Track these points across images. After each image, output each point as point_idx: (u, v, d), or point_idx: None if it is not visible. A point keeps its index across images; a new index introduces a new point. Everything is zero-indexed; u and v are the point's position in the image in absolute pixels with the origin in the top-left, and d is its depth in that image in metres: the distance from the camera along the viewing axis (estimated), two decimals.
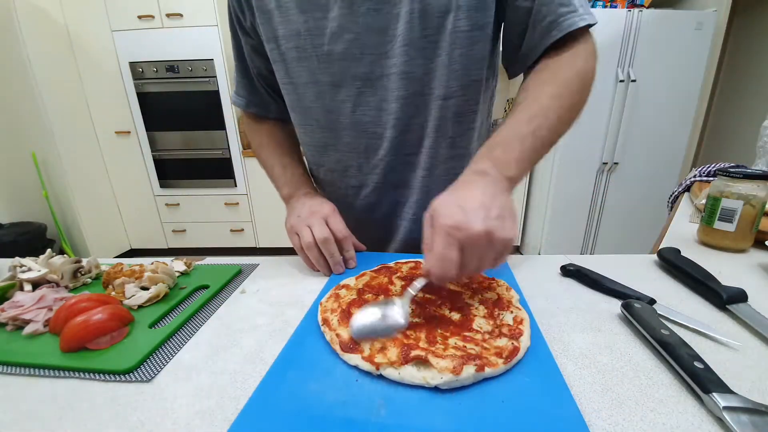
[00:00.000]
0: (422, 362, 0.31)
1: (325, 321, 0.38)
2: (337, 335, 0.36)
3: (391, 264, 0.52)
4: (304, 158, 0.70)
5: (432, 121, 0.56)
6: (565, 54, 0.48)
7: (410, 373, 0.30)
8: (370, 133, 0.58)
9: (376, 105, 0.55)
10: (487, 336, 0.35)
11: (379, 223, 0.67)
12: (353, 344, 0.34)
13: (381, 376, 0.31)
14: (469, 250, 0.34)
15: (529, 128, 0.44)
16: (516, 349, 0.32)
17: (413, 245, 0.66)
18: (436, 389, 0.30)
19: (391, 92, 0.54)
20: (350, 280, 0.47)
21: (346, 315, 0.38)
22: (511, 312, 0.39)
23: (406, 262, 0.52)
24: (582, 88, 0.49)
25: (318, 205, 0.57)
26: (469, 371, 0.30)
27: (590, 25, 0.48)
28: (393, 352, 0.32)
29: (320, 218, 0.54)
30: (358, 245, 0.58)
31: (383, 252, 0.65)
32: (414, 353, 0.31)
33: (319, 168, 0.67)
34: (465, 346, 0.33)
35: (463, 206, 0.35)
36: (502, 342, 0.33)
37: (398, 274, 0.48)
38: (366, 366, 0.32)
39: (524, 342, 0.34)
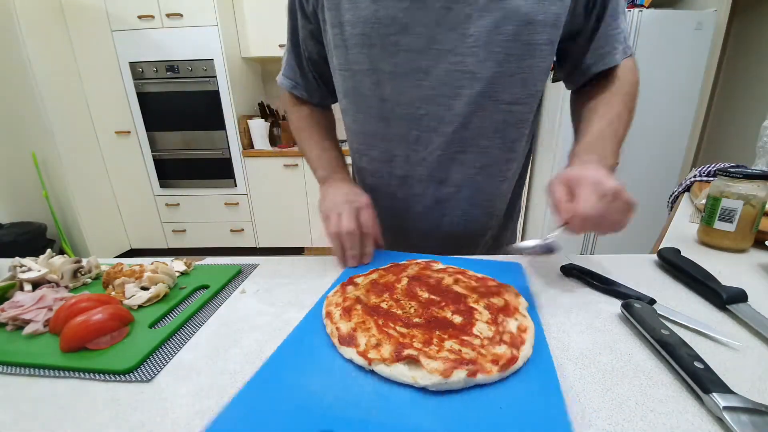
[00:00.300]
0: (414, 362, 0.31)
1: (328, 314, 0.38)
2: (337, 328, 0.36)
3: (402, 262, 0.52)
4: (349, 146, 0.71)
5: (494, 123, 0.58)
6: (620, 71, 0.60)
7: (401, 372, 0.30)
8: (423, 126, 0.58)
9: (436, 100, 0.56)
10: (486, 342, 0.34)
11: (420, 217, 0.67)
12: (351, 338, 0.35)
13: (374, 372, 0.32)
14: (606, 202, 0.40)
15: (610, 130, 0.55)
16: (514, 359, 0.32)
17: (455, 241, 0.67)
18: (426, 390, 0.30)
19: (453, 89, 0.55)
20: (360, 278, 0.48)
21: (347, 312, 0.38)
22: (516, 319, 0.37)
23: (416, 262, 0.52)
24: (636, 96, 0.61)
25: (354, 194, 0.59)
26: (459, 375, 0.29)
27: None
28: (387, 349, 0.32)
29: (352, 209, 0.55)
30: (378, 241, 0.59)
31: (423, 245, 0.65)
32: (406, 352, 0.31)
33: (363, 156, 0.67)
34: (461, 350, 0.33)
35: (596, 173, 0.43)
36: (501, 349, 0.33)
37: (406, 273, 0.48)
38: (359, 360, 0.32)
39: (525, 351, 0.33)
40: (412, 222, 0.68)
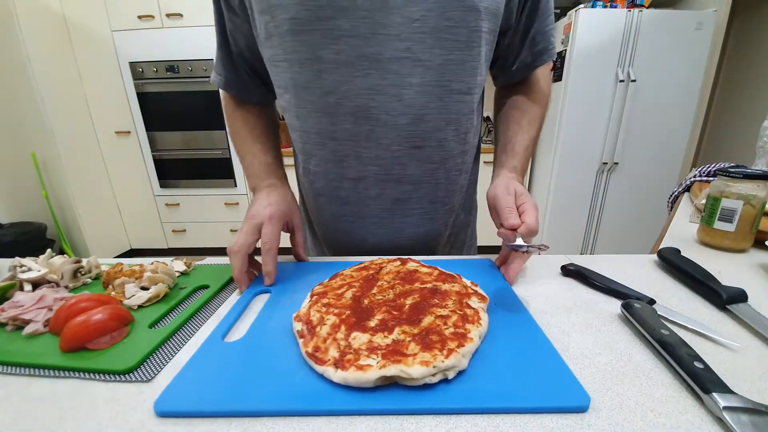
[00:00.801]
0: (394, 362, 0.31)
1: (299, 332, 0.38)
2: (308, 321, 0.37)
3: (374, 261, 0.52)
4: (294, 147, 0.66)
5: (448, 114, 0.56)
6: (539, 77, 0.65)
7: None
8: (374, 120, 0.54)
9: (385, 90, 0.52)
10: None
11: (377, 222, 0.62)
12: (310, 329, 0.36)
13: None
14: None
15: (531, 146, 0.64)
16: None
17: (415, 244, 0.65)
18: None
19: (404, 78, 0.51)
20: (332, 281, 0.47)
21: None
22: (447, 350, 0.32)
23: (389, 261, 0.52)
24: (547, 109, 0.68)
25: (262, 207, 0.53)
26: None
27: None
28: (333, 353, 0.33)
29: (253, 224, 0.51)
30: (300, 257, 0.58)
31: (380, 253, 0.63)
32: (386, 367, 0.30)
33: (311, 158, 0.61)
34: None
35: (525, 192, 0.52)
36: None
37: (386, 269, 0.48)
38: (306, 357, 0.33)
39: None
40: (368, 228, 0.63)
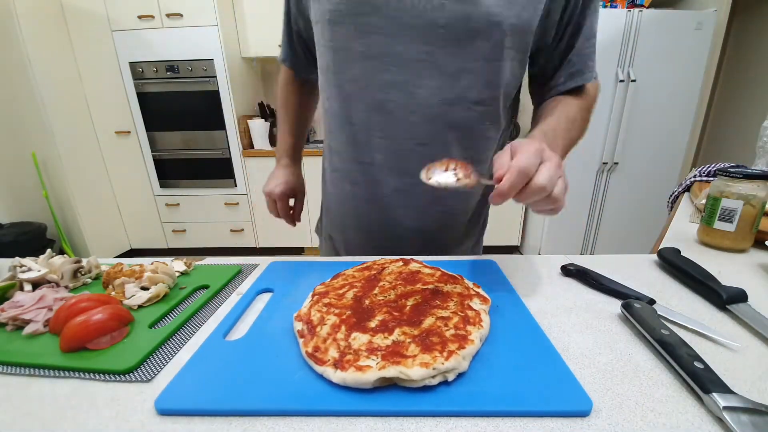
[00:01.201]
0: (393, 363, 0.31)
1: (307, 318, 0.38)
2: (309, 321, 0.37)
3: (376, 261, 0.52)
4: (324, 125, 0.69)
5: (457, 120, 0.58)
6: (583, 89, 0.61)
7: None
8: (387, 112, 0.57)
9: (402, 87, 0.55)
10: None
11: (380, 206, 0.65)
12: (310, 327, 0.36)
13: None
14: (543, 169, 0.38)
15: (564, 128, 0.55)
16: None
17: (420, 237, 0.66)
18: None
19: (421, 79, 0.55)
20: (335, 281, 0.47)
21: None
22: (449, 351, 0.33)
23: (391, 261, 0.52)
24: (592, 110, 0.62)
25: (275, 185, 0.77)
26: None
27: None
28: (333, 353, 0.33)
29: (269, 200, 0.78)
30: (296, 218, 0.82)
31: (383, 237, 0.67)
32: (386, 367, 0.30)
33: (333, 136, 0.66)
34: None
35: (540, 144, 0.40)
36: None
37: (388, 270, 0.48)
38: (305, 357, 0.33)
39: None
40: (373, 210, 0.67)
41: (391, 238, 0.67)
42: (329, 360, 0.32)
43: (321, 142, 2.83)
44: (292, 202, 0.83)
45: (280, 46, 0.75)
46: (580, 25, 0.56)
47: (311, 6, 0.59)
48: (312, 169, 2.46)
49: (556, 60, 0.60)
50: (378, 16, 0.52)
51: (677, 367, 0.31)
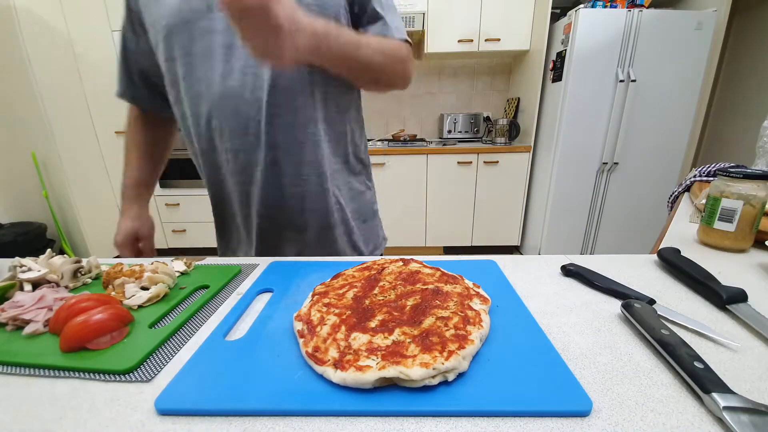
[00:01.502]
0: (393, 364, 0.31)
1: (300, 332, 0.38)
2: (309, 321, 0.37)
3: (376, 261, 0.52)
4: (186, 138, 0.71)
5: (297, 86, 0.62)
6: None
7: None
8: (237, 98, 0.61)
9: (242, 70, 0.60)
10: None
11: (247, 180, 0.67)
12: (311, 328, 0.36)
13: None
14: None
15: (351, 38, 0.56)
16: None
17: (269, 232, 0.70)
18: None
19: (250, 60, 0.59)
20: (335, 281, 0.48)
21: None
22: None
23: (392, 261, 0.52)
24: (395, 58, 0.63)
25: (119, 233, 0.74)
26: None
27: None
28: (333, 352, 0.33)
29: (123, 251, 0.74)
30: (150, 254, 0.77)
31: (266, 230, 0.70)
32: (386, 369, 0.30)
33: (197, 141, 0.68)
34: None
35: None
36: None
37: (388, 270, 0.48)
38: (305, 357, 0.33)
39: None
40: (249, 190, 0.68)
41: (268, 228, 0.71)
42: (329, 360, 0.32)
43: None
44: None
45: (118, 84, 0.73)
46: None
47: (151, 31, 0.63)
48: None
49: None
50: (207, 19, 0.59)
51: (677, 367, 0.31)
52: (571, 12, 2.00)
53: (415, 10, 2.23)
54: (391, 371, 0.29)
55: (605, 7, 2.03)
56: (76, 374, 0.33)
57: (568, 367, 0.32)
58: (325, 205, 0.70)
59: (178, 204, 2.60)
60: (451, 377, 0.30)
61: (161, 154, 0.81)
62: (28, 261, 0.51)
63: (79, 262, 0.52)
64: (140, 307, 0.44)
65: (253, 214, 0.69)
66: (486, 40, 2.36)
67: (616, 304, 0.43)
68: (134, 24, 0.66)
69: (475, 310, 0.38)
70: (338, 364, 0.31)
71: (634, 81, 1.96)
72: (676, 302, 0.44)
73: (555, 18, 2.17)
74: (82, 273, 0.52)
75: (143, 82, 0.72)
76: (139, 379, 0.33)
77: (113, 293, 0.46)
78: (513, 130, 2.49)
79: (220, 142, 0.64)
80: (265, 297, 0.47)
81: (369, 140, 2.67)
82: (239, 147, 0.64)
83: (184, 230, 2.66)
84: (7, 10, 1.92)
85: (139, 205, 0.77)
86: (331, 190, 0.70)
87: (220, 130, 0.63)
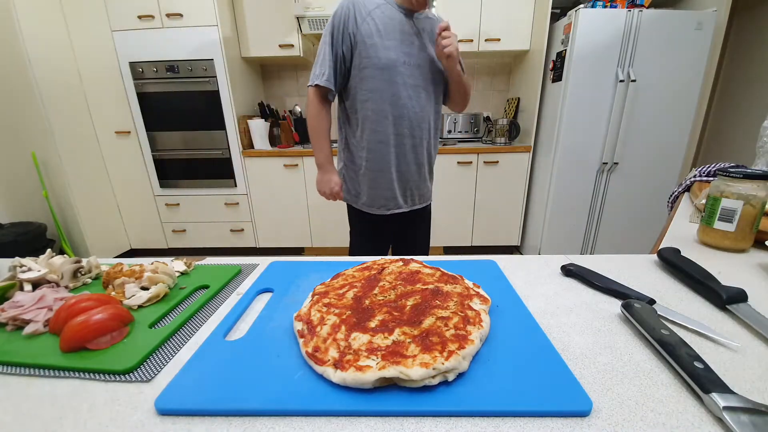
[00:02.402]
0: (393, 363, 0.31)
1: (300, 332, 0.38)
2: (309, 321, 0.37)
3: (376, 261, 0.52)
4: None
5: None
6: None
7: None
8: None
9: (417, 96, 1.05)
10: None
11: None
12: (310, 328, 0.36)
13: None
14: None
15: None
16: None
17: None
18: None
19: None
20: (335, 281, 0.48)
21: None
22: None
23: (392, 261, 0.52)
24: (467, 94, 1.20)
25: (334, 182, 1.13)
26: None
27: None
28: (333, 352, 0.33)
29: (336, 191, 1.14)
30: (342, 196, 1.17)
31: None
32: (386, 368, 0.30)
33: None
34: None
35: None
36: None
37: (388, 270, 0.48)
38: (305, 357, 0.33)
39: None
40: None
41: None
42: (329, 360, 0.32)
43: None
44: None
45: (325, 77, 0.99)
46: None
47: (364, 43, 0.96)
48: (313, 168, 2.45)
49: None
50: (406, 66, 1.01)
51: (677, 367, 0.31)
52: (571, 12, 2.00)
53: None
54: (391, 371, 0.29)
55: (605, 7, 2.02)
56: (76, 374, 0.33)
57: (568, 367, 0.32)
58: None
59: (178, 204, 2.60)
60: (451, 377, 0.30)
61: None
62: (28, 261, 0.51)
63: (79, 262, 0.52)
64: (140, 307, 0.44)
65: None
66: (486, 40, 2.36)
67: (616, 304, 0.43)
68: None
69: (475, 310, 0.38)
70: (338, 364, 0.31)
71: (634, 81, 1.96)
72: (676, 302, 0.44)
73: (555, 18, 2.17)
74: (82, 273, 0.52)
75: (341, 70, 1.02)
76: (139, 379, 0.33)
77: (113, 293, 0.46)
78: (513, 130, 2.49)
79: None
80: (265, 297, 0.47)
81: None
82: None
83: (184, 230, 2.66)
84: (7, 10, 1.92)
85: (335, 167, 1.15)
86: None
87: None
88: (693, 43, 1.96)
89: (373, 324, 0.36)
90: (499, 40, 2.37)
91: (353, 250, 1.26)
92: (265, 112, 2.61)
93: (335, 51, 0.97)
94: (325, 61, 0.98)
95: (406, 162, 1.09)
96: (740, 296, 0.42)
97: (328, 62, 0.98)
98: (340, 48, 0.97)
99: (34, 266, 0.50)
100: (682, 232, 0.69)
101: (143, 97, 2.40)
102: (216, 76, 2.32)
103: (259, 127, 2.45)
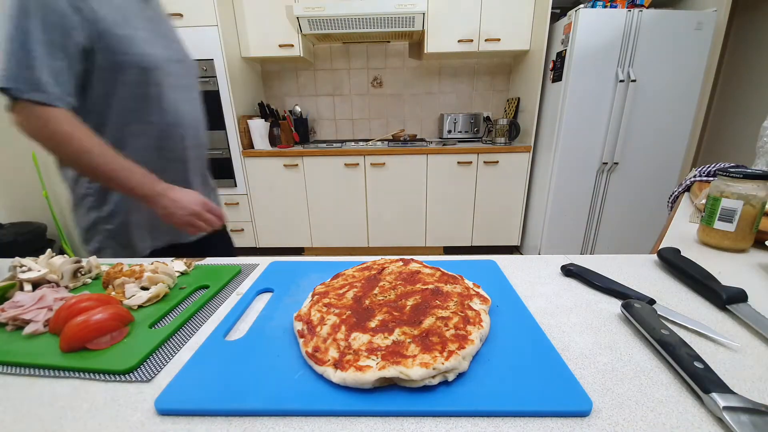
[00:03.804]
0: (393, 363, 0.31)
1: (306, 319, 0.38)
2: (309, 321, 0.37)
3: (376, 261, 0.52)
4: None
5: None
6: None
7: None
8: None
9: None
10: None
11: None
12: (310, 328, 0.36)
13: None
14: None
15: None
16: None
17: None
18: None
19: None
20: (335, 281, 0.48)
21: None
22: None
23: (392, 261, 0.52)
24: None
25: (195, 197, 0.74)
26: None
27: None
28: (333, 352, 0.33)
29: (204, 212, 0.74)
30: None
31: None
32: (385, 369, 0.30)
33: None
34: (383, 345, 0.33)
35: None
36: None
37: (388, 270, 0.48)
38: (305, 357, 0.33)
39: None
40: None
41: None
42: (329, 360, 0.32)
43: (322, 141, 2.80)
44: None
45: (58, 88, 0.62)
46: None
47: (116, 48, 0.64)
48: (313, 168, 2.45)
49: None
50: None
51: (677, 367, 0.31)
52: (571, 12, 2.00)
53: (415, 10, 2.22)
54: (391, 371, 0.29)
55: (605, 7, 2.02)
56: (76, 374, 0.33)
57: (568, 367, 0.32)
58: None
59: None
60: (451, 377, 0.30)
61: None
62: (28, 261, 0.51)
63: (79, 262, 0.52)
64: (140, 307, 0.44)
65: None
66: (486, 40, 2.36)
67: (616, 304, 0.43)
68: None
69: (475, 310, 0.38)
70: (338, 364, 0.31)
71: (634, 81, 1.96)
72: (676, 302, 0.44)
73: (555, 18, 2.17)
74: (82, 273, 0.52)
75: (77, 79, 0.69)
76: (139, 379, 0.33)
77: (113, 293, 0.46)
78: (513, 130, 2.49)
79: None
80: (265, 297, 0.47)
81: (369, 140, 2.67)
82: None
83: None
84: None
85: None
86: None
87: None
88: (693, 43, 1.96)
89: (373, 324, 0.36)
90: (499, 40, 2.37)
91: None
92: (265, 112, 2.61)
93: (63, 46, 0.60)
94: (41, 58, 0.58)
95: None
96: (740, 296, 0.42)
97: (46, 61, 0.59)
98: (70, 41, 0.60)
99: (34, 266, 0.50)
100: (682, 232, 0.69)
101: None
102: (216, 76, 2.32)
103: (259, 127, 2.45)
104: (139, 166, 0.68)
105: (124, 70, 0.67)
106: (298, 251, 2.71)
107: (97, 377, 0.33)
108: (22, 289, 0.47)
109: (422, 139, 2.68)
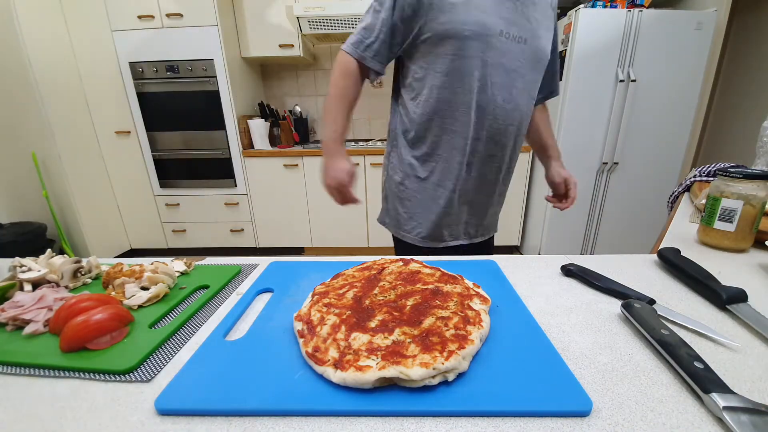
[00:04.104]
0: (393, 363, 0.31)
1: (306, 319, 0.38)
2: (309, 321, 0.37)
3: (376, 261, 0.52)
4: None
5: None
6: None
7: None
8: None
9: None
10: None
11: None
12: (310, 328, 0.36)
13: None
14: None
15: (553, 140, 0.99)
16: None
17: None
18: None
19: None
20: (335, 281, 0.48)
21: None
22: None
23: (392, 261, 0.52)
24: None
25: (341, 171, 0.79)
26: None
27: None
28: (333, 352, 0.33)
29: (342, 185, 0.80)
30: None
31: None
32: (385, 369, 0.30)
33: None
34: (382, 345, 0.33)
35: (570, 174, 1.01)
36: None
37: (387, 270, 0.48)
38: (305, 357, 0.33)
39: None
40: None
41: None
42: (329, 360, 0.32)
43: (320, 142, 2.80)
44: None
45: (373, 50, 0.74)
46: (555, 48, 0.77)
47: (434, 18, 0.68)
48: (313, 168, 2.45)
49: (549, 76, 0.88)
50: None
51: (677, 367, 0.31)
52: (571, 12, 2.00)
53: None
54: (391, 371, 0.29)
55: (605, 7, 2.02)
56: (76, 374, 0.33)
57: (568, 367, 0.32)
58: None
59: (178, 204, 2.60)
60: (451, 377, 0.30)
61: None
62: (28, 261, 0.51)
63: (79, 262, 0.52)
64: (140, 307, 0.44)
65: None
66: None
67: (616, 304, 0.43)
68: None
69: (475, 310, 0.38)
70: (338, 364, 0.31)
71: (634, 81, 1.96)
72: (676, 302, 0.44)
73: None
74: (82, 273, 0.52)
75: (394, 49, 0.76)
76: (139, 379, 0.33)
77: (113, 293, 0.46)
78: None
79: None
80: (265, 297, 0.47)
81: (369, 140, 2.67)
82: None
83: (184, 230, 2.66)
84: (7, 10, 1.92)
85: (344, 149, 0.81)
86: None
87: None
88: (693, 43, 1.96)
89: (373, 324, 0.36)
90: None
91: None
92: (265, 112, 2.61)
93: (395, 17, 0.70)
94: (374, 27, 0.71)
95: (476, 176, 0.82)
96: (740, 296, 0.42)
97: (381, 30, 0.71)
98: (401, 12, 0.69)
99: (34, 266, 0.50)
100: (682, 232, 0.69)
101: (143, 97, 2.40)
102: (216, 76, 2.32)
103: (259, 127, 2.45)
104: (347, 124, 0.80)
105: (442, 37, 0.70)
106: (298, 251, 2.71)
107: (97, 377, 0.33)
108: (22, 289, 0.47)
109: None
